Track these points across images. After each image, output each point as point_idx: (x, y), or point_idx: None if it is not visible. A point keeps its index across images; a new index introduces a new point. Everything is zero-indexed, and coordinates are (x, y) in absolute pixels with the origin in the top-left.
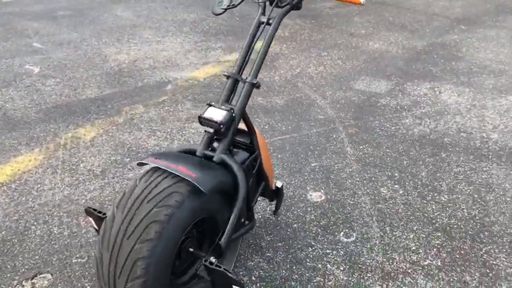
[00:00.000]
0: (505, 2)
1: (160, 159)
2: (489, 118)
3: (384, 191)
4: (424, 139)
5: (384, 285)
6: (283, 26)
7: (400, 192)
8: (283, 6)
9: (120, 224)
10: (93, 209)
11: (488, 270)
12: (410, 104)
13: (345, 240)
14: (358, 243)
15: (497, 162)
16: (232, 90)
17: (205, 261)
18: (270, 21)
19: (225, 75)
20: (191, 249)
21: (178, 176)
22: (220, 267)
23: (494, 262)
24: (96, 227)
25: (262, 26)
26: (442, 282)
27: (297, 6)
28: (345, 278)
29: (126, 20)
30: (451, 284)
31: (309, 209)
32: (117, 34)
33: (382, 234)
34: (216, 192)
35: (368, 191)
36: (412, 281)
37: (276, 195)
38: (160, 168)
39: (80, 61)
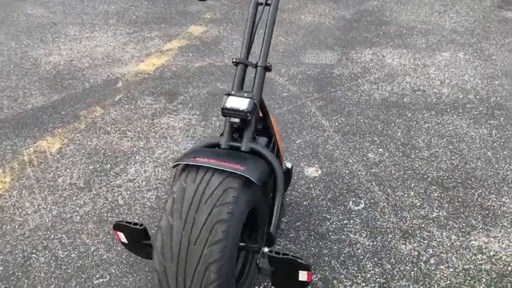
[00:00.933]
0: None
1: (199, 157)
2: (434, 75)
3: (372, 156)
4: (387, 102)
5: (407, 243)
6: (211, 8)
7: (386, 154)
8: None
9: (182, 231)
10: (126, 222)
11: (487, 212)
12: (362, 71)
13: (356, 208)
14: (369, 209)
15: (456, 113)
16: (244, 76)
17: (270, 252)
18: (269, 1)
19: (233, 62)
20: (243, 244)
21: (224, 171)
22: (287, 254)
23: (489, 203)
24: (126, 241)
25: (261, 6)
26: (454, 230)
27: None
28: (371, 244)
29: (42, 18)
30: (462, 230)
31: (311, 185)
32: (38, 34)
33: (386, 196)
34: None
35: (357, 158)
36: (429, 234)
37: (287, 176)
38: (200, 166)
39: (7, 68)
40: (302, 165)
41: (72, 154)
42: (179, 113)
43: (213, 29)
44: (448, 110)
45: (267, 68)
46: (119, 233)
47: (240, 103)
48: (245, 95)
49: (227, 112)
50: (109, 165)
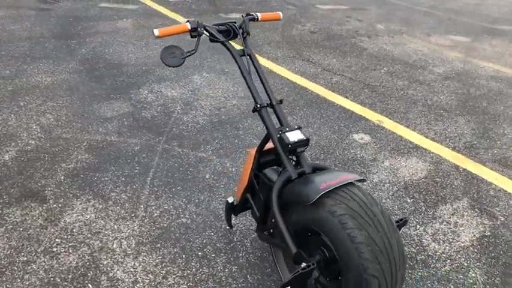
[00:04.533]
0: None
1: (325, 185)
2: None
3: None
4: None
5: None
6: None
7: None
8: (245, 37)
9: (384, 241)
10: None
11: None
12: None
13: None
14: None
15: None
16: (276, 114)
17: None
18: (248, 52)
19: (256, 110)
20: None
21: (353, 183)
22: None
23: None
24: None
25: (244, 57)
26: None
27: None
28: None
29: None
30: None
31: None
32: None
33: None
34: None
35: None
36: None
37: None
38: (336, 188)
39: None
40: None
41: None
42: None
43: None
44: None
45: (281, 102)
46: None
47: (297, 135)
48: (295, 128)
49: (293, 146)
50: None
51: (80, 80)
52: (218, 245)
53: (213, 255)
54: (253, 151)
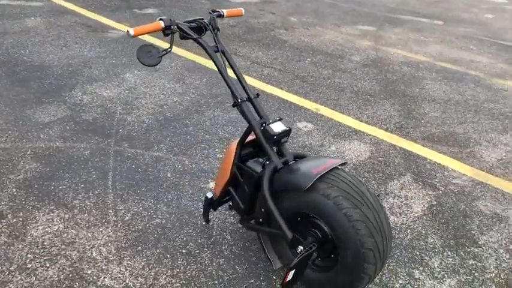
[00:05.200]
0: None
1: (316, 171)
2: None
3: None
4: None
5: None
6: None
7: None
8: (216, 33)
9: (375, 216)
10: None
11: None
12: None
13: None
14: None
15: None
16: (254, 107)
17: None
18: (222, 49)
19: (236, 105)
20: None
21: (337, 168)
22: None
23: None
24: None
25: (219, 53)
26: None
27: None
28: None
29: None
30: None
31: None
32: None
33: None
34: None
35: None
36: None
37: None
38: (325, 174)
39: None
40: None
41: None
42: None
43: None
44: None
45: (258, 96)
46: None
47: (280, 126)
48: (277, 119)
49: (279, 136)
50: None
51: (1, 85)
52: (199, 240)
53: (197, 251)
54: (233, 145)
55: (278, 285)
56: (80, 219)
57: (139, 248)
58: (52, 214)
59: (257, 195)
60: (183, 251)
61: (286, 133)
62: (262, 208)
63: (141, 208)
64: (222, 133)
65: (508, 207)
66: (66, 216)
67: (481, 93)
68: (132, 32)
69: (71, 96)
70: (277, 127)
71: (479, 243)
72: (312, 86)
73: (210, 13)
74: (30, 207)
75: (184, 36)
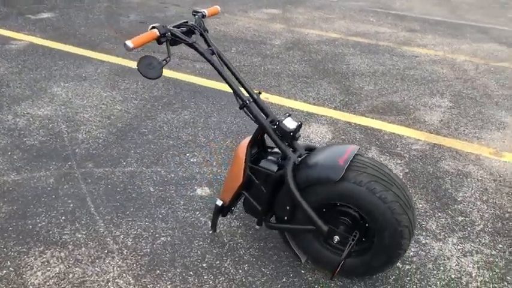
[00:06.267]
0: None
1: (342, 161)
2: None
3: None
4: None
5: None
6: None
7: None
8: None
9: (404, 194)
10: None
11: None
12: None
13: None
14: None
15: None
16: (260, 107)
17: None
18: (216, 51)
19: (243, 107)
20: None
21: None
22: None
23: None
24: None
25: (215, 56)
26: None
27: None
28: None
29: None
30: None
31: None
32: None
33: None
34: None
35: None
36: None
37: None
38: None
39: None
40: None
41: None
42: None
43: None
44: None
45: (260, 94)
46: None
47: (292, 122)
48: (287, 115)
49: (294, 132)
50: None
51: None
52: (215, 251)
53: (218, 261)
54: (241, 148)
55: (309, 279)
56: (79, 254)
57: (158, 271)
58: (45, 256)
59: (277, 194)
60: (204, 264)
61: (299, 128)
62: (288, 206)
63: (139, 230)
64: (185, 136)
65: (465, 163)
66: (62, 254)
67: (398, 62)
68: (131, 44)
69: (1, 121)
70: (291, 123)
71: (459, 200)
72: (250, 75)
73: (194, 14)
74: (16, 254)
75: (177, 41)
